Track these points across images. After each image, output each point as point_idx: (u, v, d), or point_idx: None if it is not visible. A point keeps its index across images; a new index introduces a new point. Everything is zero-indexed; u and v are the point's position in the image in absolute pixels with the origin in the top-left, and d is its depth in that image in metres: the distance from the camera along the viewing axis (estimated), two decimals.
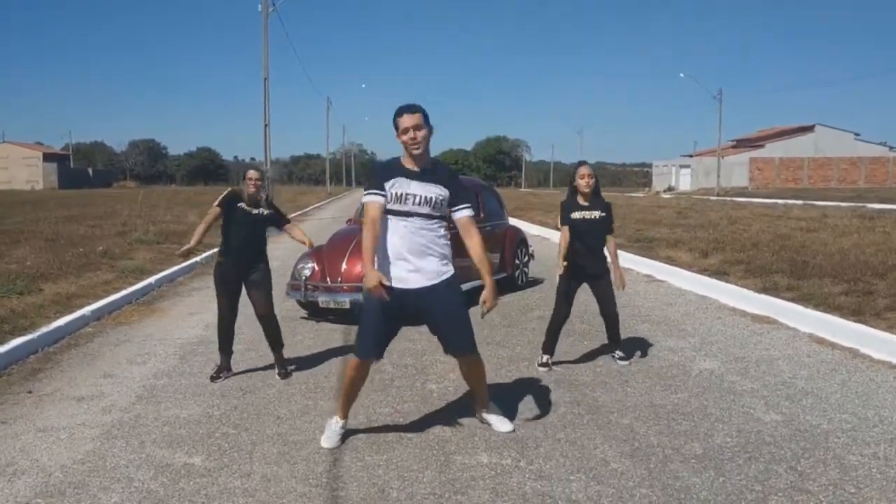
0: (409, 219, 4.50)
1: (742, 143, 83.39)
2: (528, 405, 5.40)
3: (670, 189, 74.36)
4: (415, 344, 7.21)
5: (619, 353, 6.57)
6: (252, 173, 6.27)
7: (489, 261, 4.64)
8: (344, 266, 8.56)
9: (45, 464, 4.45)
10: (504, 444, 4.64)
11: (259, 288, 6.29)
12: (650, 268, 12.50)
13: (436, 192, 4.51)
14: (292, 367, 6.55)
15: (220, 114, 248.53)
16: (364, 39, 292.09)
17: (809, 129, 76.76)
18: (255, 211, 6.27)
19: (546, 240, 18.34)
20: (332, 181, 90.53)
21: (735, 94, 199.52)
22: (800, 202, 35.04)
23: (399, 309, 4.54)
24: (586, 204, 6.40)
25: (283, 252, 12.70)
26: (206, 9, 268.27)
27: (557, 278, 6.43)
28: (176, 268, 12.84)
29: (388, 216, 4.54)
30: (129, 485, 4.14)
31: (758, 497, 3.86)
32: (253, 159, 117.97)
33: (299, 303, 8.92)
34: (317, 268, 8.74)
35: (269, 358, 6.53)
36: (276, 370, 6.34)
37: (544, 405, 5.41)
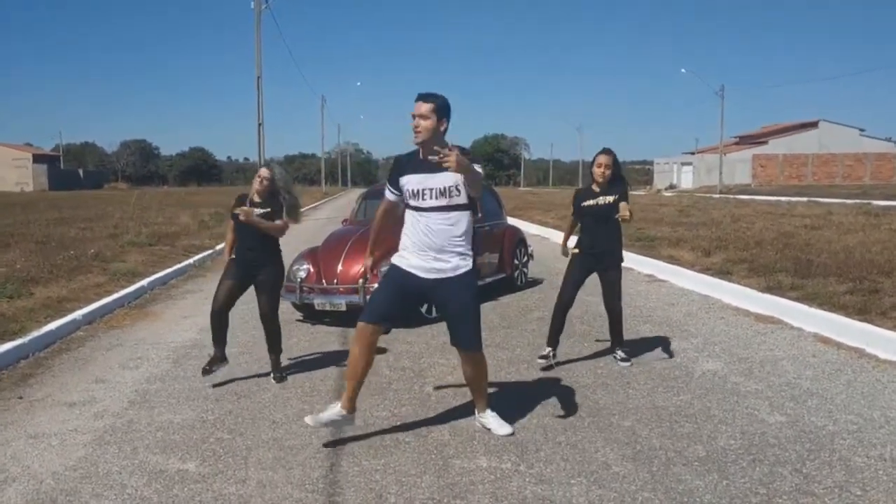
0: (428, 214, 4.61)
1: (745, 140, 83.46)
2: (527, 408, 5.40)
3: (672, 187, 74.32)
4: (412, 346, 7.21)
5: (620, 355, 6.57)
6: (263, 171, 6.31)
7: (476, 178, 4.54)
8: (340, 267, 8.56)
9: (37, 471, 4.45)
10: (504, 448, 4.65)
11: (264, 288, 6.29)
12: (652, 267, 12.50)
13: (451, 180, 4.54)
14: (286, 368, 6.55)
15: (213, 113, 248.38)
16: (359, 37, 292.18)
17: (813, 125, 76.81)
18: (256, 210, 6.24)
19: (546, 239, 18.35)
20: (328, 181, 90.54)
21: (737, 89, 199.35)
22: (804, 199, 35.07)
23: (413, 289, 4.72)
24: (598, 191, 6.41)
25: None
26: (198, 7, 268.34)
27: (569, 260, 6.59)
28: (169, 270, 12.85)
29: (409, 211, 4.72)
30: (122, 491, 4.14)
31: (762, 500, 3.86)
32: (247, 159, 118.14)
33: (294, 305, 8.91)
34: (312, 269, 8.74)
35: (265, 362, 6.53)
36: (272, 374, 6.33)
37: (544, 407, 5.42)
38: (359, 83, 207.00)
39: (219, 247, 16.68)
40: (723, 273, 10.87)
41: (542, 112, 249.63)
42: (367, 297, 8.15)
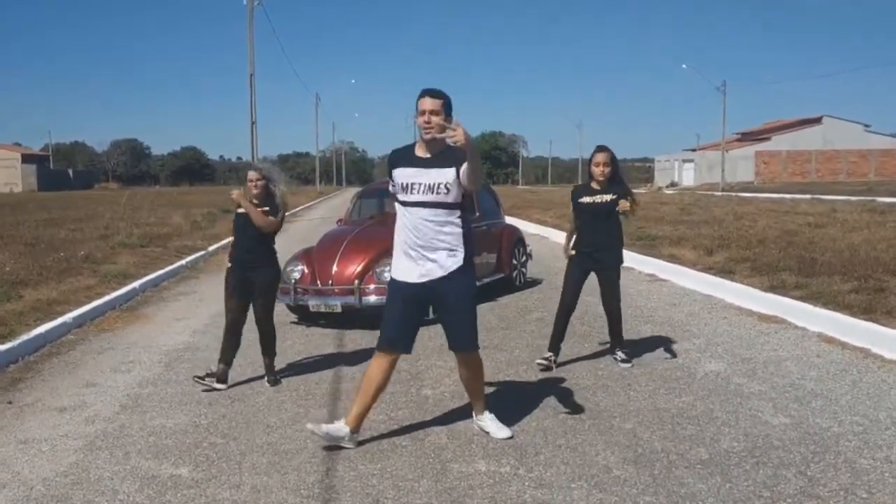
0: (416, 209, 4.60)
1: (747, 137, 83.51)
2: (526, 410, 5.40)
3: (673, 184, 74.38)
4: None
5: (621, 356, 6.57)
6: (251, 174, 6.27)
7: (477, 162, 4.53)
8: (335, 268, 8.55)
9: (27, 477, 4.44)
10: (502, 452, 4.65)
11: (260, 291, 6.29)
12: (653, 266, 12.51)
13: (442, 177, 4.55)
14: (281, 371, 6.55)
15: (205, 112, 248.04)
16: (354, 33, 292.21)
17: (817, 120, 76.84)
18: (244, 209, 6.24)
19: (545, 238, 18.36)
20: (322, 180, 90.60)
21: (739, 85, 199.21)
22: (808, 197, 35.10)
23: (415, 299, 4.72)
24: (598, 189, 6.42)
25: None
26: (189, 3, 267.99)
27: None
28: (161, 272, 12.84)
29: (397, 206, 4.71)
30: (114, 498, 4.13)
31: (766, 503, 3.87)
32: (240, 158, 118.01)
33: (289, 307, 8.90)
34: (307, 270, 8.74)
35: (258, 365, 6.52)
36: (266, 377, 6.33)
37: (544, 410, 5.42)
38: (353, 80, 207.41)
39: (212, 248, 16.69)
40: (725, 272, 10.89)
41: (540, 109, 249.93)
42: (363, 298, 8.20)
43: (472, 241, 4.75)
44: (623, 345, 6.68)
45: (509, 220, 13.00)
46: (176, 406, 5.75)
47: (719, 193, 45.99)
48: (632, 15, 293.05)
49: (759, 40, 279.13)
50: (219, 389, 6.10)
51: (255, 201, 6.21)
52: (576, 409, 5.42)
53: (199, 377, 6.18)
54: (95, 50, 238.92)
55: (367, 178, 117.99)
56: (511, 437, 4.85)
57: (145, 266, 13.36)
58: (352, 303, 8.20)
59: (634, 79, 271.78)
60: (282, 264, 8.71)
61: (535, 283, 11.37)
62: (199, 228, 21.33)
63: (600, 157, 6.39)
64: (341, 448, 4.73)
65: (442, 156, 4.57)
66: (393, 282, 4.80)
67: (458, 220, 4.66)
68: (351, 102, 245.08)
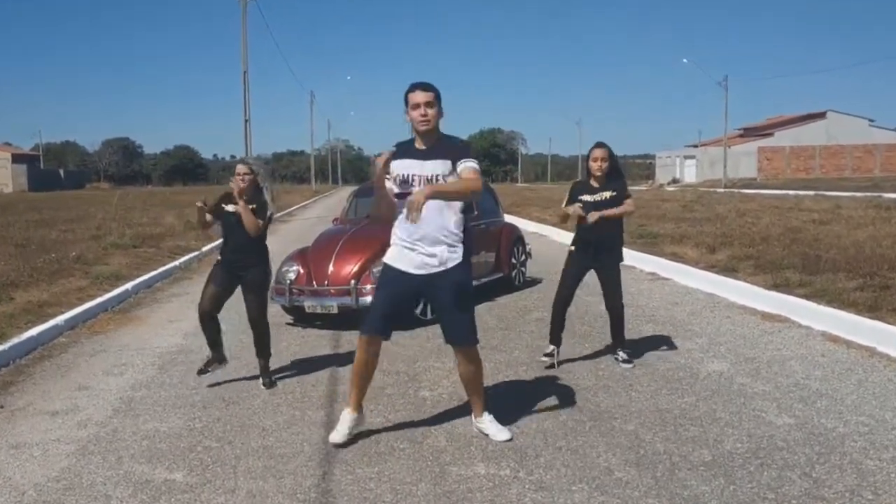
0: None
1: (749, 132, 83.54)
2: (526, 412, 5.41)
3: (675, 181, 74.45)
4: (406, 350, 7.21)
5: (622, 356, 6.58)
6: (240, 168, 6.26)
7: (452, 189, 4.59)
8: (331, 268, 8.55)
9: (18, 482, 4.44)
10: (502, 454, 4.65)
11: (251, 290, 6.29)
12: (654, 265, 12.52)
13: (438, 169, 4.63)
14: (276, 373, 6.55)
15: (198, 110, 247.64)
16: (349, 29, 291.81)
17: (821, 115, 76.90)
18: (238, 209, 6.23)
19: (544, 237, 18.37)
20: (318, 179, 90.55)
21: (741, 80, 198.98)
22: (812, 193, 35.09)
23: (407, 289, 4.81)
24: (597, 186, 6.44)
25: None
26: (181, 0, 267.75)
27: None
28: (154, 273, 12.85)
29: (398, 200, 4.73)
30: (107, 503, 4.13)
31: None
32: (234, 157, 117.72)
33: (284, 308, 8.90)
34: (302, 270, 8.74)
35: (253, 367, 6.52)
36: (261, 379, 6.33)
37: (544, 412, 5.42)
38: (349, 77, 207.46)
39: (205, 248, 16.68)
40: (728, 270, 10.90)
41: (539, 106, 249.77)
42: (360, 298, 8.19)
43: (471, 237, 4.84)
44: (625, 345, 6.69)
45: (508, 218, 13.01)
46: (170, 409, 5.75)
47: (721, 190, 45.99)
48: (631, 9, 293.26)
49: (761, 34, 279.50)
50: (224, 366, 6.44)
51: (244, 197, 6.20)
52: (575, 411, 5.42)
53: (202, 369, 6.35)
54: (87, 47, 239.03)
55: (364, 177, 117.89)
56: (511, 440, 4.85)
57: (138, 267, 13.36)
58: (348, 303, 8.19)
59: (634, 74, 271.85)
60: (276, 265, 8.72)
61: (534, 282, 11.37)
62: (192, 228, 21.25)
63: (598, 153, 6.44)
64: (337, 451, 4.74)
65: (438, 147, 4.66)
66: (386, 267, 4.87)
67: (459, 214, 4.72)
68: (347, 100, 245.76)
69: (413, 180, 4.67)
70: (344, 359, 7.01)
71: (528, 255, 11.61)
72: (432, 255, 4.68)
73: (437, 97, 4.66)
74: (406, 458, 4.63)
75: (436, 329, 8.21)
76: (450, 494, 4.10)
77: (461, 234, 4.75)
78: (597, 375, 6.33)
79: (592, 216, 6.33)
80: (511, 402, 5.61)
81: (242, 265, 6.25)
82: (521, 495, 4.06)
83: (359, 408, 4.99)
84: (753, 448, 4.62)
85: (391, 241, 4.85)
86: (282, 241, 14.42)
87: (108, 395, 6.19)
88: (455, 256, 4.72)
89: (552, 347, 6.62)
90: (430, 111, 4.61)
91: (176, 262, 14.36)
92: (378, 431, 5.10)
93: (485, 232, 10.41)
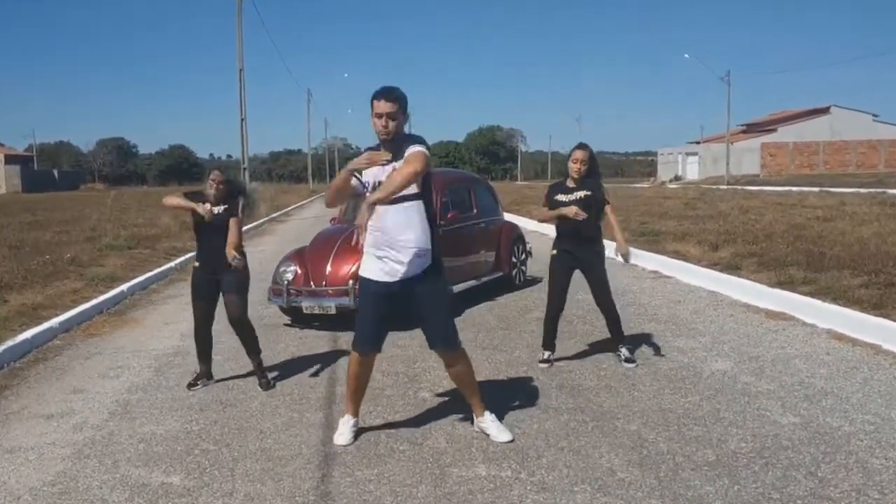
0: (383, 207, 4.67)
1: (752, 128, 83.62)
2: (528, 412, 5.41)
3: (677, 178, 74.44)
4: (405, 351, 7.21)
5: (624, 354, 6.59)
6: (215, 174, 6.35)
7: (393, 186, 4.55)
8: (328, 268, 8.55)
9: (13, 487, 4.44)
10: (503, 455, 4.65)
11: (230, 289, 6.33)
12: (657, 263, 12.52)
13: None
14: (274, 375, 6.55)
15: (193, 109, 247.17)
16: (347, 26, 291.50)
17: (824, 110, 76.97)
18: (214, 210, 6.30)
19: (544, 236, 18.31)
20: (315, 178, 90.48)
21: (744, 75, 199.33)
22: (815, 189, 35.11)
23: (387, 298, 4.81)
24: (572, 186, 6.53)
25: (262, 255, 12.69)
26: None
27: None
28: (149, 274, 12.84)
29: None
30: None
31: None
32: (230, 156, 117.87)
33: (282, 309, 8.90)
34: (300, 271, 8.73)
35: (250, 369, 6.53)
36: (257, 380, 6.34)
37: (546, 412, 5.42)
38: (346, 75, 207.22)
39: None
40: (731, 268, 10.90)
41: (539, 103, 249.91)
42: (357, 299, 8.18)
43: (437, 242, 4.84)
44: (625, 341, 6.71)
45: (508, 216, 13.00)
46: (166, 412, 5.75)
47: (724, 187, 46.00)
48: (632, 4, 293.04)
49: (764, 28, 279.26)
50: (209, 384, 6.40)
51: (213, 200, 6.29)
52: (576, 411, 5.42)
53: (192, 383, 6.36)
54: (80, 46, 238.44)
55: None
56: (512, 441, 4.85)
57: (133, 268, 13.36)
58: (346, 304, 8.18)
59: (635, 70, 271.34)
60: (273, 265, 8.72)
61: (535, 281, 11.36)
62: (187, 229, 21.20)
63: (579, 155, 6.55)
64: (336, 453, 4.75)
65: (401, 152, 4.66)
66: (363, 280, 4.92)
67: (425, 218, 4.76)
68: (344, 98, 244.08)
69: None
70: (342, 360, 7.01)
71: (529, 253, 11.61)
72: (401, 262, 4.70)
73: (401, 105, 4.68)
74: (406, 460, 4.63)
75: None
76: (450, 496, 4.10)
77: (428, 240, 4.76)
78: (599, 375, 6.33)
79: (574, 212, 6.36)
80: (512, 402, 5.61)
81: (219, 266, 6.28)
82: (523, 497, 4.06)
83: (357, 413, 5.08)
84: (758, 447, 4.62)
85: (364, 251, 4.90)
86: (279, 242, 14.44)
87: (103, 397, 6.19)
88: (424, 261, 4.75)
89: (547, 353, 6.70)
90: (392, 123, 4.63)
91: (172, 264, 14.35)
92: (377, 433, 5.11)
93: (484, 231, 10.41)
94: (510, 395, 5.83)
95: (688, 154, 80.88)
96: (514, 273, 10.94)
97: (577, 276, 6.67)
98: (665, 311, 8.92)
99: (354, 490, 4.23)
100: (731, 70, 62.91)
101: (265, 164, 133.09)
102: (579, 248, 6.54)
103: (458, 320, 8.60)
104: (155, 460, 4.78)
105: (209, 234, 6.32)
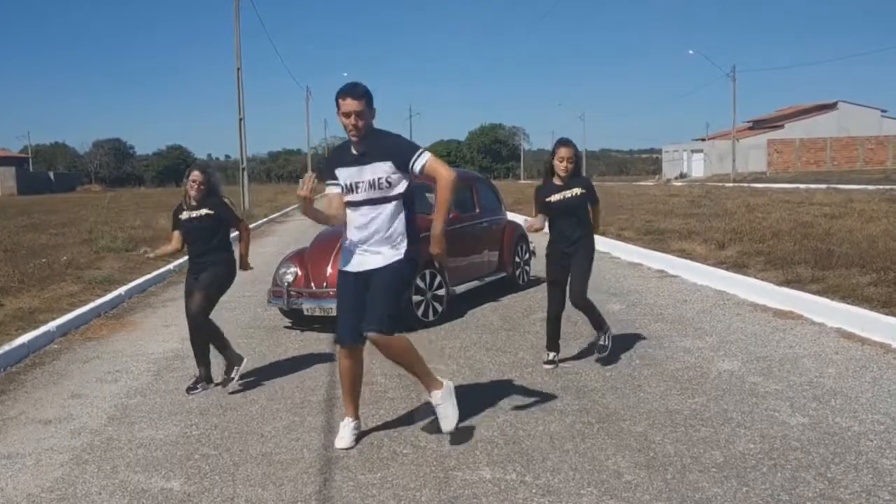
0: (359, 207, 4.80)
1: (759, 125, 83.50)
2: (533, 414, 5.41)
3: (682, 176, 74.45)
4: None
5: (600, 342, 6.59)
6: (196, 174, 6.39)
7: (447, 207, 4.79)
8: (329, 270, 8.55)
9: (10, 493, 4.44)
10: (508, 458, 4.64)
11: (197, 287, 6.37)
12: (662, 262, 12.52)
13: (379, 172, 4.72)
14: (276, 381, 6.54)
15: (191, 109, 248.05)
16: (346, 24, 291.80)
17: (832, 106, 76.85)
18: (193, 214, 6.37)
19: (546, 235, 18.33)
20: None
21: (749, 71, 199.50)
22: (823, 186, 35.11)
23: (361, 290, 4.84)
24: (561, 184, 6.51)
25: (262, 258, 12.69)
26: None
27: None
28: (147, 277, 12.84)
29: (347, 209, 4.90)
30: None
31: None
32: (228, 157, 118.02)
33: (282, 311, 8.91)
34: (300, 272, 8.74)
35: (251, 373, 6.55)
36: (223, 377, 6.44)
37: (551, 414, 5.42)
38: (345, 74, 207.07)
39: None
40: (738, 266, 10.89)
41: (541, 100, 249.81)
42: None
43: (415, 235, 4.89)
44: (604, 328, 6.67)
45: (511, 216, 13.00)
46: (166, 416, 5.75)
47: (730, 184, 46.00)
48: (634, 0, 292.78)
49: (770, 23, 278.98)
50: (209, 388, 6.39)
51: (193, 203, 6.36)
52: (582, 413, 5.42)
53: (191, 387, 6.36)
54: (76, 47, 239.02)
55: None
56: (453, 432, 4.88)
57: (131, 271, 13.37)
58: None
59: (639, 66, 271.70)
60: (273, 267, 8.71)
61: (538, 281, 11.34)
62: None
63: (565, 152, 6.45)
64: (338, 457, 4.75)
65: (373, 150, 4.71)
66: (342, 274, 4.98)
67: (404, 219, 4.83)
68: None
69: (357, 188, 4.78)
70: None
71: (532, 253, 11.60)
72: (377, 253, 4.79)
73: (368, 101, 4.69)
74: (409, 464, 4.63)
75: (437, 331, 8.23)
76: (454, 500, 4.10)
77: (405, 236, 4.83)
78: (604, 376, 6.32)
79: (534, 227, 6.59)
80: (517, 404, 5.61)
81: (205, 266, 6.37)
82: (528, 500, 4.06)
83: (357, 414, 5.07)
84: (766, 449, 4.61)
85: (344, 246, 4.96)
86: (279, 243, 14.44)
87: (102, 402, 6.19)
88: (396, 253, 4.80)
89: (552, 354, 6.69)
90: (361, 122, 4.65)
91: (170, 266, 14.34)
92: (380, 436, 5.11)
93: (487, 230, 10.41)
94: (515, 397, 5.82)
95: (693, 151, 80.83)
96: (517, 273, 10.94)
97: None
98: (671, 310, 8.92)
99: (357, 494, 4.22)
100: (737, 66, 62.87)
101: (264, 165, 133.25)
102: (573, 245, 6.55)
103: (461, 321, 8.67)
104: (154, 465, 4.78)
105: (193, 238, 6.41)
